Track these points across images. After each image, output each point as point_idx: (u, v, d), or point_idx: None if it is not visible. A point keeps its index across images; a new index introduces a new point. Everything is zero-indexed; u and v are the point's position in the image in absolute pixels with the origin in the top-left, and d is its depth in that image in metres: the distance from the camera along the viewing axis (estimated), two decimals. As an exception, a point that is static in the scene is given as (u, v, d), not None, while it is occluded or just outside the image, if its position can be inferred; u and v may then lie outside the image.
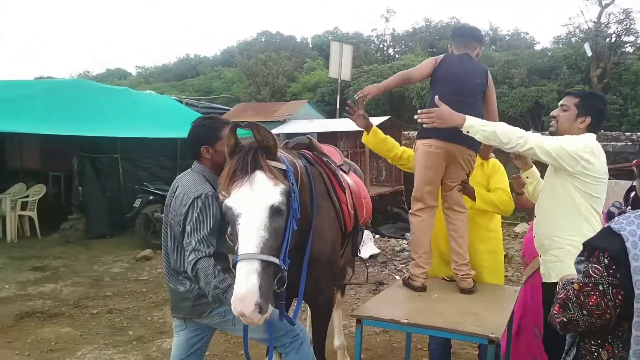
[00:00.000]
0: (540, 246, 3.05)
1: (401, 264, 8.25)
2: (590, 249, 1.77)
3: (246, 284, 2.07)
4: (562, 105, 2.99)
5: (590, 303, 1.70)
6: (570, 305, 1.76)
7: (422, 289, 3.17)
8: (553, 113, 3.06)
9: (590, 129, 2.90)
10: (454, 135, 2.96)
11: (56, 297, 6.46)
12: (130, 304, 6.21)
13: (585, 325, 1.76)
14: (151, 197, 9.36)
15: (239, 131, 2.37)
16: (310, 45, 39.92)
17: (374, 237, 9.82)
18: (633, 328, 1.63)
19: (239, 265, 2.12)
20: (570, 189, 2.81)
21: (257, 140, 2.32)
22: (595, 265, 1.70)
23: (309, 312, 3.36)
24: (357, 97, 3.32)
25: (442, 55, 3.25)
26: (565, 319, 1.81)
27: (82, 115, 9.02)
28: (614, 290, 1.66)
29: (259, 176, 2.25)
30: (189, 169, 2.83)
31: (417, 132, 3.37)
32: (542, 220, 3.04)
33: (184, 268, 2.65)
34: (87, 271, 7.83)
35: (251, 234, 2.17)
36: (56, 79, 18.56)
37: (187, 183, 2.68)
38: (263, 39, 40.32)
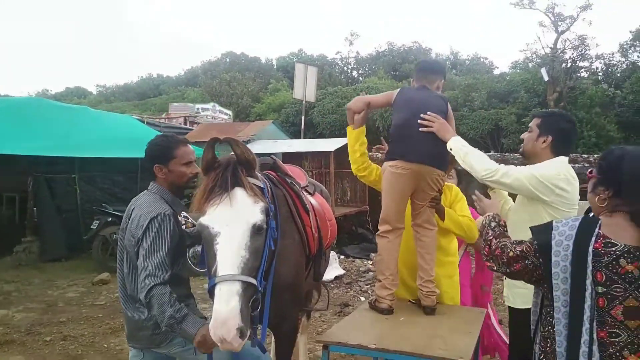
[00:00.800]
0: None
1: (366, 284, 8.20)
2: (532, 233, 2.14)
3: (227, 306, 1.95)
4: (529, 127, 3.05)
5: (515, 267, 2.07)
6: (500, 262, 2.13)
7: (389, 311, 3.12)
8: (522, 136, 3.13)
9: (554, 148, 2.91)
10: (420, 157, 3.02)
11: (7, 324, 6.16)
12: (85, 331, 5.95)
13: (506, 274, 2.19)
14: (109, 219, 9.08)
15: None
16: (275, 67, 40.08)
17: (339, 257, 9.76)
18: (554, 312, 1.93)
19: (219, 287, 2.01)
20: (544, 216, 2.78)
21: (237, 155, 2.25)
22: (529, 245, 2.04)
23: (273, 338, 3.26)
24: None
25: (400, 88, 3.36)
26: (491, 266, 2.21)
27: (38, 134, 8.71)
28: (533, 267, 2.02)
29: (239, 193, 2.17)
30: (146, 190, 2.72)
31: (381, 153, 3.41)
32: None
33: (142, 295, 2.52)
34: (40, 296, 7.52)
35: (232, 254, 2.07)
36: (12, 97, 17.99)
37: (143, 204, 2.58)
38: (228, 60, 40.33)
